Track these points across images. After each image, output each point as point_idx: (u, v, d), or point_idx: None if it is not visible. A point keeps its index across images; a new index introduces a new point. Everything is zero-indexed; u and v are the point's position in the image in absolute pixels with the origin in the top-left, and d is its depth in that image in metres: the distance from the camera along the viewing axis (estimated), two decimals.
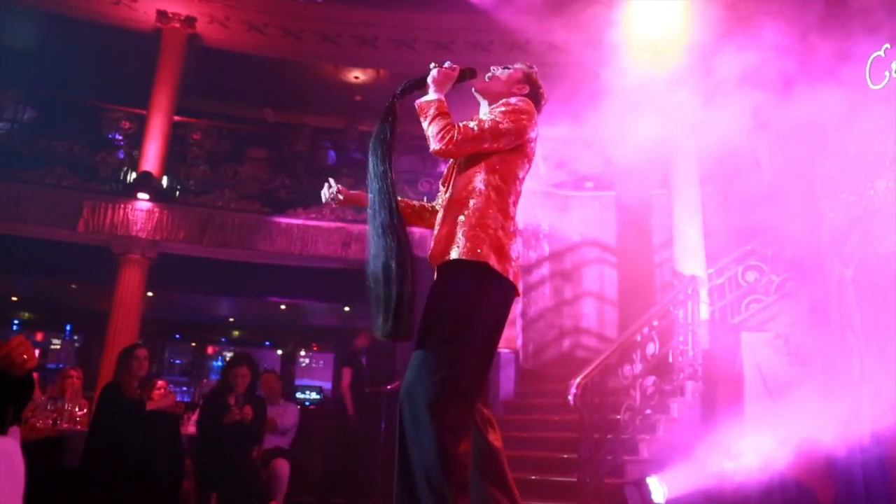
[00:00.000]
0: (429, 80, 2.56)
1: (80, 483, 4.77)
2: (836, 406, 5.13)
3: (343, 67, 10.29)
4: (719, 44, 5.91)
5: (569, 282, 8.02)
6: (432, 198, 2.93)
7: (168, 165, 8.68)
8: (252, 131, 10.06)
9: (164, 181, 8.67)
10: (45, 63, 8.75)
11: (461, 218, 2.46)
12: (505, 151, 2.53)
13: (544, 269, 7.86)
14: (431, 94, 2.54)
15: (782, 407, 5.56)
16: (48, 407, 5.49)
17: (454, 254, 2.42)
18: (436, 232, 2.58)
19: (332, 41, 9.47)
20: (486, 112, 2.65)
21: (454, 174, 2.62)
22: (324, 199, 2.89)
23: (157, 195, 8.37)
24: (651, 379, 5.87)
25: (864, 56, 5.77)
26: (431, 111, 2.48)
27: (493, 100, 2.68)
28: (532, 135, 2.59)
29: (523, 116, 2.55)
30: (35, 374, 3.18)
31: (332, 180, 2.90)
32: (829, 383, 5.59)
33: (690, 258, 6.60)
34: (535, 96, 2.77)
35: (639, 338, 5.92)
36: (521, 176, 2.59)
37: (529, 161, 2.63)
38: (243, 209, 8.64)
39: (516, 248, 2.53)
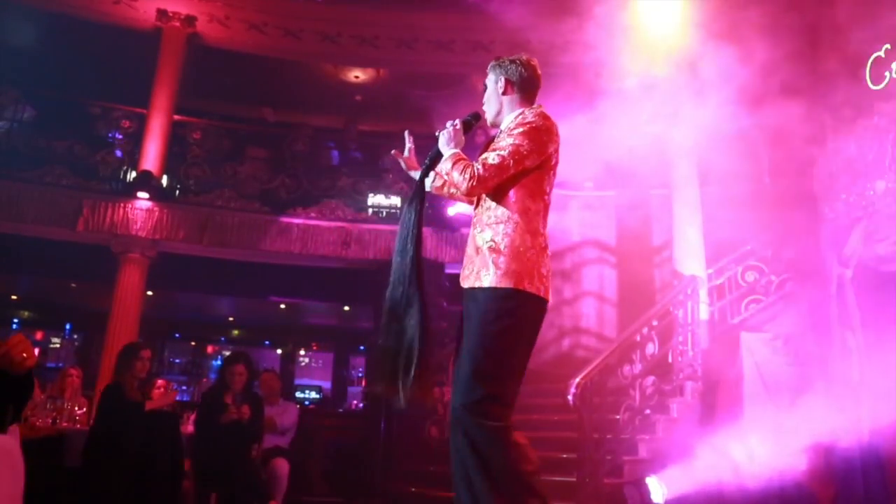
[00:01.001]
0: (440, 145, 2.63)
1: (80, 482, 4.75)
2: (836, 407, 5.11)
3: (343, 67, 10.28)
4: (719, 44, 5.89)
5: (568, 282, 8.01)
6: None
7: (168, 165, 8.67)
8: (252, 131, 10.06)
9: (164, 180, 8.65)
10: (45, 62, 8.71)
11: (491, 244, 2.52)
12: (530, 170, 2.57)
13: None
14: (447, 152, 2.61)
15: (781, 407, 5.54)
16: (47, 406, 5.43)
17: (487, 281, 2.49)
18: (468, 251, 2.65)
19: (333, 41, 9.45)
20: (506, 125, 2.67)
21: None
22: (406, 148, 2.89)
23: (157, 194, 8.35)
24: (650, 379, 5.86)
25: (864, 56, 5.76)
26: (448, 166, 2.57)
27: (507, 113, 2.72)
28: (552, 149, 2.62)
29: (542, 133, 2.58)
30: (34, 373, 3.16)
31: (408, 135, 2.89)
32: (828, 384, 5.57)
33: (690, 258, 6.57)
34: (529, 87, 2.75)
35: (638, 338, 5.91)
36: (547, 190, 2.64)
37: (554, 172, 2.67)
38: (243, 209, 8.62)
39: (547, 263, 2.60)
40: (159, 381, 6.50)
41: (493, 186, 2.53)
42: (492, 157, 2.51)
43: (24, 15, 8.64)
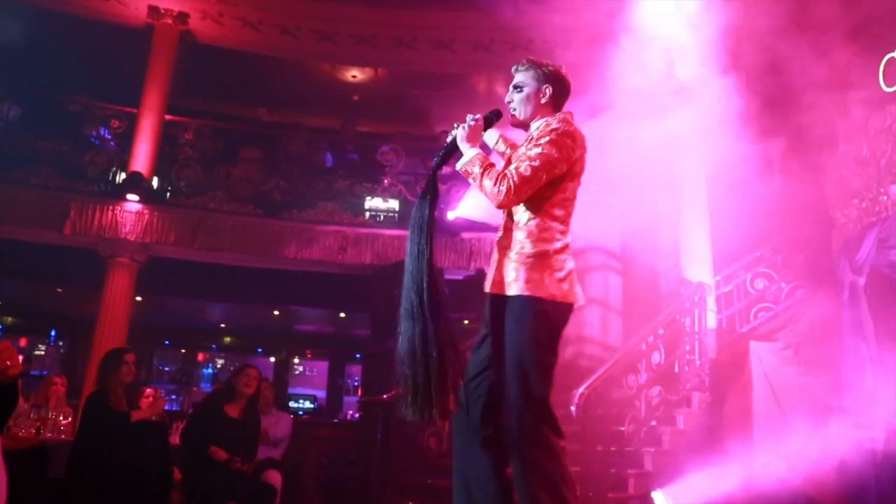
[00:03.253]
0: (458, 140, 2.61)
1: (65, 494, 4.65)
2: (848, 418, 5.06)
3: (340, 66, 10.23)
4: (727, 44, 5.82)
5: None
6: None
7: (158, 166, 8.57)
8: (246, 131, 9.97)
9: (155, 182, 8.56)
10: (32, 59, 8.58)
11: (516, 250, 2.55)
12: (559, 177, 2.57)
13: None
14: (468, 152, 2.59)
15: (792, 418, 5.47)
16: (31, 415, 5.36)
17: (514, 289, 2.51)
18: (495, 256, 2.65)
19: (330, 39, 9.39)
20: (534, 132, 2.65)
21: None
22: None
23: (147, 196, 8.23)
24: (656, 389, 5.80)
25: (877, 57, 5.70)
26: (476, 169, 2.54)
27: (531, 120, 2.71)
28: (577, 154, 2.61)
29: (567, 140, 2.57)
30: (19, 382, 3.04)
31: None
32: (840, 395, 5.50)
33: (697, 265, 6.52)
34: (561, 91, 2.74)
35: (644, 347, 5.86)
36: (571, 197, 2.65)
37: (580, 177, 2.67)
38: (236, 211, 8.53)
39: (569, 264, 2.61)
40: (148, 390, 6.42)
41: (526, 198, 2.53)
42: (524, 168, 2.49)
43: (11, 10, 8.53)
